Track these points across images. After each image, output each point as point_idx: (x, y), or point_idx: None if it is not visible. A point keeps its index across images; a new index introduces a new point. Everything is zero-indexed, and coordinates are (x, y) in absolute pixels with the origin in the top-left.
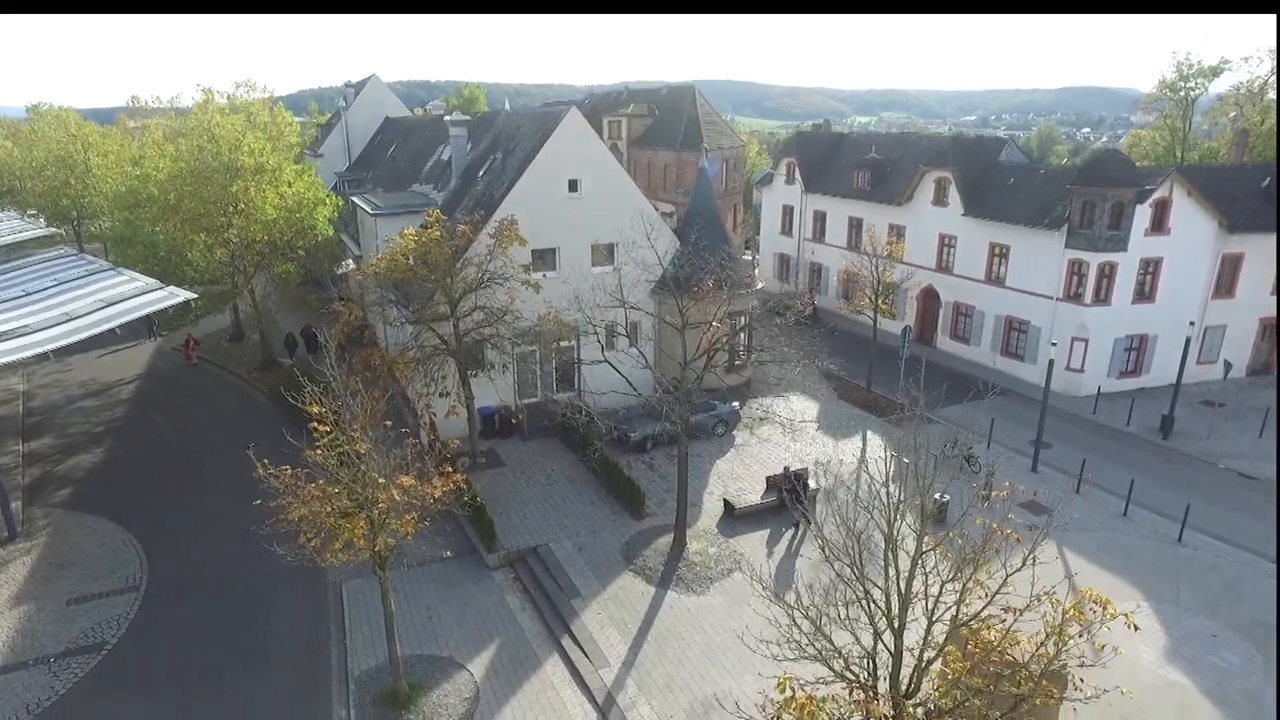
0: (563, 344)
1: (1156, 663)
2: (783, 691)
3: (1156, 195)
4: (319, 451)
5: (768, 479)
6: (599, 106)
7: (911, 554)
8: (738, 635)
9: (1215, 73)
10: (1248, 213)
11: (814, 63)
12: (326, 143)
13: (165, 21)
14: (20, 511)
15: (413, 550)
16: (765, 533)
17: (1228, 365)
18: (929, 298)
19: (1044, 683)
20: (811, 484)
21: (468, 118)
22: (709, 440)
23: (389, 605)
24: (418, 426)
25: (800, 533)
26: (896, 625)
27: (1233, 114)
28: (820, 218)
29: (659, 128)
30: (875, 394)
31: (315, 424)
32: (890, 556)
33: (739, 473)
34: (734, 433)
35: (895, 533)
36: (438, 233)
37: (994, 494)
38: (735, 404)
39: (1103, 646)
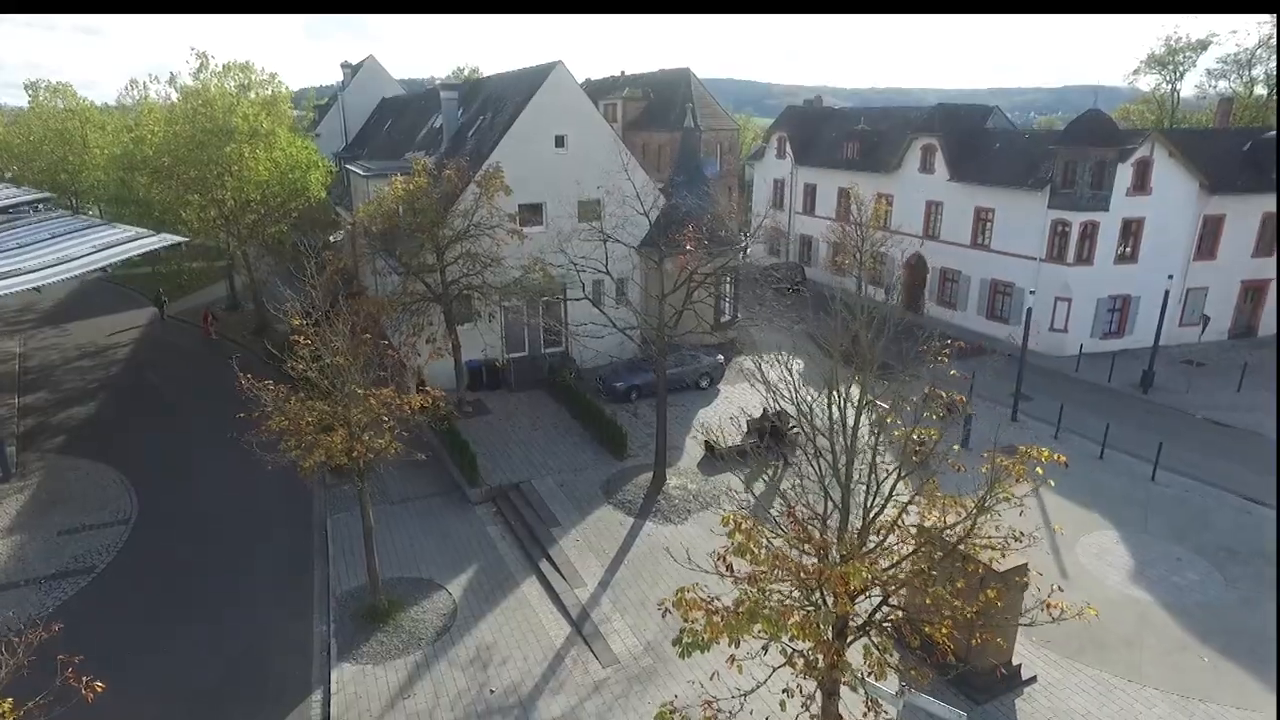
0: (551, 298)
1: (1121, 583)
2: (727, 525)
3: (1138, 155)
4: (299, 364)
5: (748, 421)
6: (596, 92)
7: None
8: (707, 555)
9: (1203, 46)
10: (1229, 175)
11: (816, 62)
12: (323, 124)
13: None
14: (15, 455)
15: (397, 488)
16: (746, 472)
17: (1205, 319)
18: (916, 265)
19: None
20: (792, 425)
21: (459, 83)
22: (694, 392)
23: (368, 517)
24: (403, 373)
25: (780, 471)
26: (844, 478)
27: (1219, 84)
28: (810, 190)
29: (654, 110)
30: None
31: (296, 337)
32: (840, 416)
33: (723, 420)
34: (718, 386)
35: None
36: (424, 180)
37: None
38: (720, 357)
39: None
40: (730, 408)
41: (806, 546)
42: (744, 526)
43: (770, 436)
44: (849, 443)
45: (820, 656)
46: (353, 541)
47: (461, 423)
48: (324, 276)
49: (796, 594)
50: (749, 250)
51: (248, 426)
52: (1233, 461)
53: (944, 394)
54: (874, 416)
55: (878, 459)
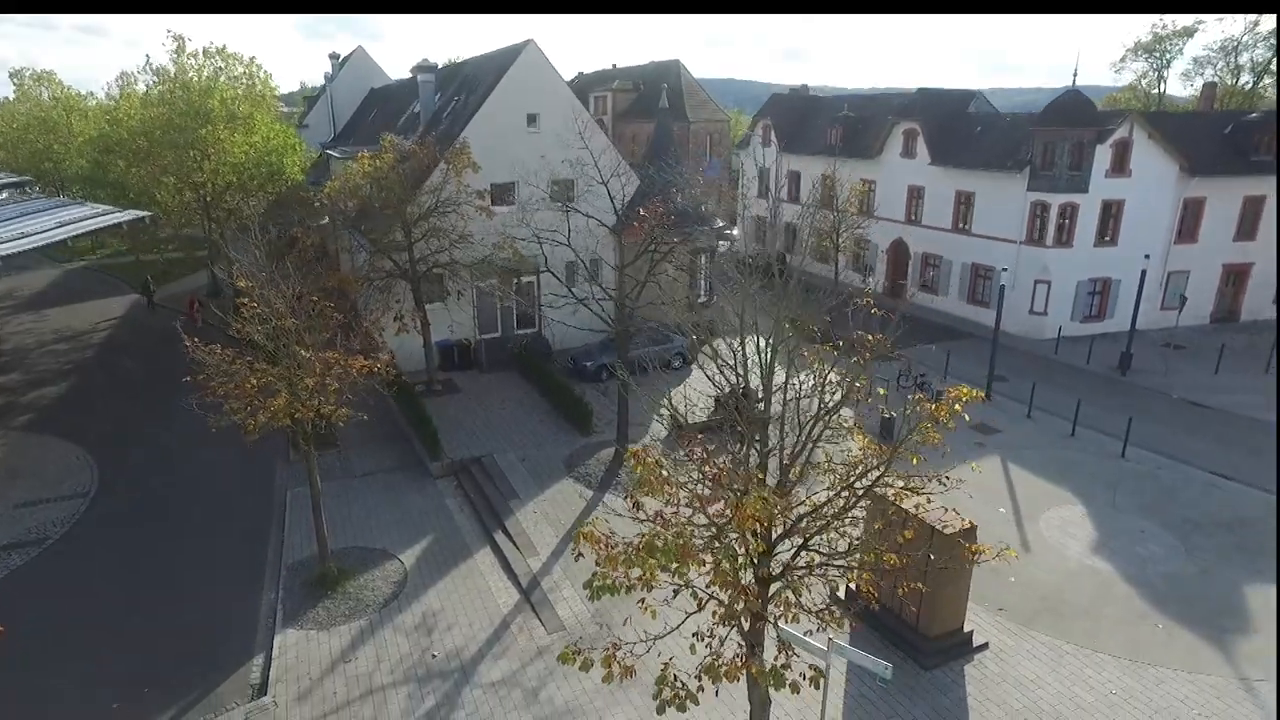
0: (522, 279)
1: (1082, 554)
2: (631, 460)
3: (1117, 136)
4: (244, 327)
5: (716, 398)
6: (587, 85)
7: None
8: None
9: (1189, 33)
10: (1209, 158)
11: (815, 63)
12: (311, 115)
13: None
14: None
15: (360, 463)
16: (711, 447)
17: (1183, 299)
18: (898, 250)
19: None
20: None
21: (436, 64)
22: (667, 372)
23: (315, 483)
24: (375, 347)
25: (745, 446)
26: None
27: (1206, 72)
28: (795, 177)
29: (644, 101)
30: (836, 335)
31: (241, 299)
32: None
33: (692, 398)
34: (691, 366)
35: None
36: (390, 156)
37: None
38: (693, 337)
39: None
40: (704, 386)
41: (710, 481)
42: (647, 460)
43: (735, 412)
44: (766, 380)
45: (738, 603)
46: (310, 514)
47: (430, 401)
48: (294, 251)
49: (708, 534)
50: (735, 238)
51: (193, 390)
52: (1207, 440)
53: (871, 339)
54: (803, 370)
55: (802, 401)
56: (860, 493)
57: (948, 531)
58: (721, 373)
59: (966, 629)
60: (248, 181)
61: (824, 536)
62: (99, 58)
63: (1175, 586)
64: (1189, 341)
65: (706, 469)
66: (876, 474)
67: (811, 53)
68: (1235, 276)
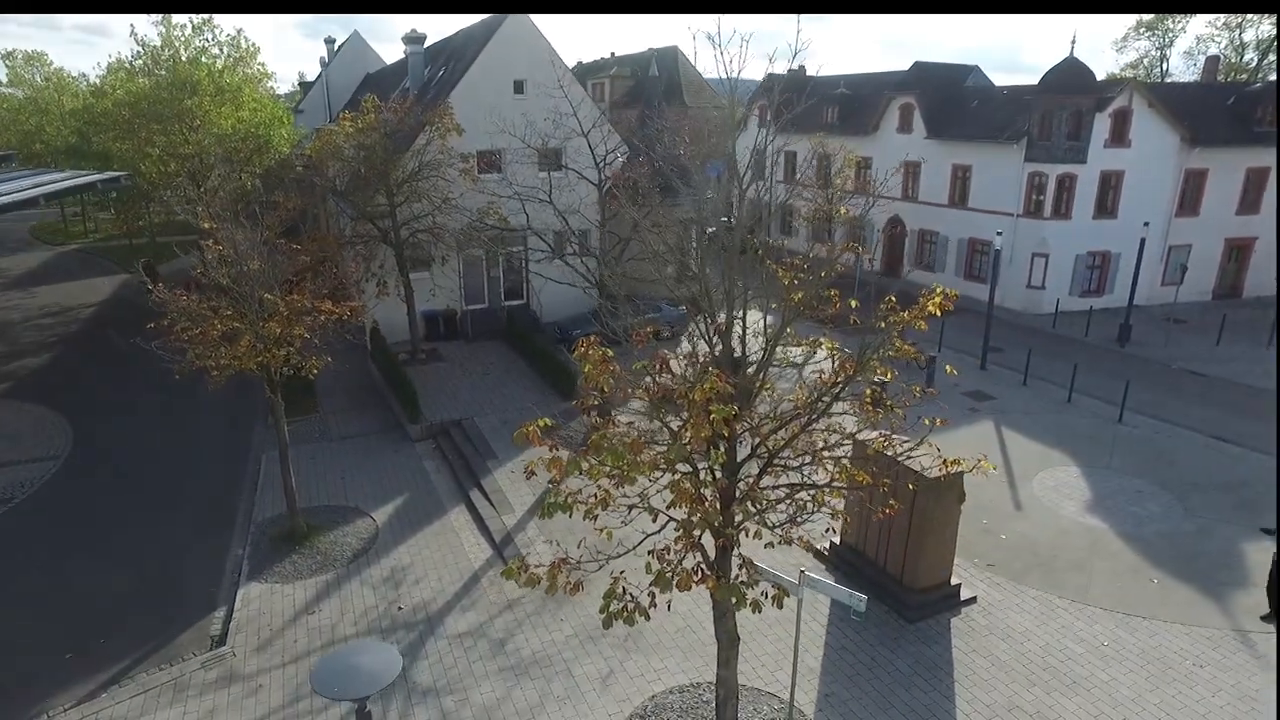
0: (511, 249)
1: (1077, 513)
2: (578, 351)
3: (1116, 105)
4: (208, 270)
5: (702, 362)
6: (586, 73)
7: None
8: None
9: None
10: (1212, 129)
11: (817, 61)
12: (307, 100)
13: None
14: None
15: (339, 427)
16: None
17: (1183, 269)
18: (895, 228)
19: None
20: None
21: (424, 35)
22: (656, 342)
23: (282, 430)
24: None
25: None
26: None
27: (1209, 49)
28: (790, 158)
29: (640, 88)
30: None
31: (206, 241)
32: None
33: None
34: (681, 338)
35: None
36: (372, 118)
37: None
38: (683, 308)
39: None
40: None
41: (660, 367)
42: (593, 355)
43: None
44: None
45: (695, 515)
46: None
47: (414, 369)
48: (274, 214)
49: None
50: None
51: (156, 336)
52: (1206, 407)
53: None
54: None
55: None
56: (828, 403)
57: (930, 475)
58: (706, 339)
59: (955, 583)
60: (233, 154)
61: (793, 454)
62: (102, 58)
63: (1172, 544)
64: (1190, 316)
65: (659, 360)
66: (842, 384)
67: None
68: (1238, 251)
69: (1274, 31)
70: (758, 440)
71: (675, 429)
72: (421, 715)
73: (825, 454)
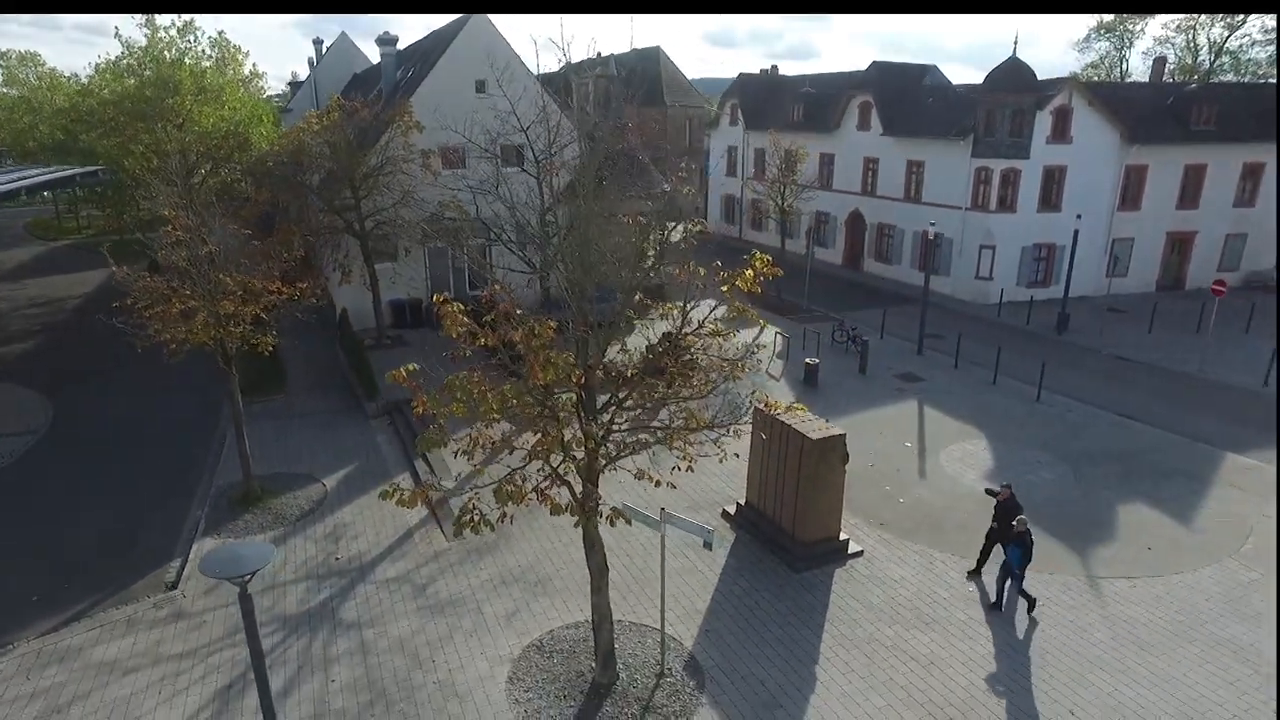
0: (473, 240)
1: (975, 481)
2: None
3: (1056, 102)
4: (168, 253)
5: (648, 347)
6: (571, 74)
7: None
8: None
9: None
10: (1151, 127)
11: (817, 59)
12: (295, 100)
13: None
14: None
15: (301, 405)
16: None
17: (1114, 259)
18: (855, 222)
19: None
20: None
21: (396, 36)
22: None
23: (236, 399)
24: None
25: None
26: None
27: (1165, 50)
28: (760, 155)
29: (626, 86)
30: (784, 300)
31: (169, 227)
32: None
33: (630, 349)
34: (635, 324)
35: None
36: (336, 115)
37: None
38: (638, 296)
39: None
40: (641, 341)
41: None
42: (448, 310)
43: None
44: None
45: (547, 449)
46: (248, 446)
47: (377, 354)
48: (248, 207)
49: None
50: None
51: (122, 314)
52: (1126, 390)
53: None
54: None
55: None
56: (660, 352)
57: (814, 437)
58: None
59: (843, 538)
60: (215, 152)
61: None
62: (99, 56)
63: (1056, 507)
64: (1131, 306)
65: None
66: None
67: (813, 49)
68: (1179, 244)
69: (1225, 34)
70: (614, 391)
71: (522, 373)
72: (343, 644)
73: (673, 399)
